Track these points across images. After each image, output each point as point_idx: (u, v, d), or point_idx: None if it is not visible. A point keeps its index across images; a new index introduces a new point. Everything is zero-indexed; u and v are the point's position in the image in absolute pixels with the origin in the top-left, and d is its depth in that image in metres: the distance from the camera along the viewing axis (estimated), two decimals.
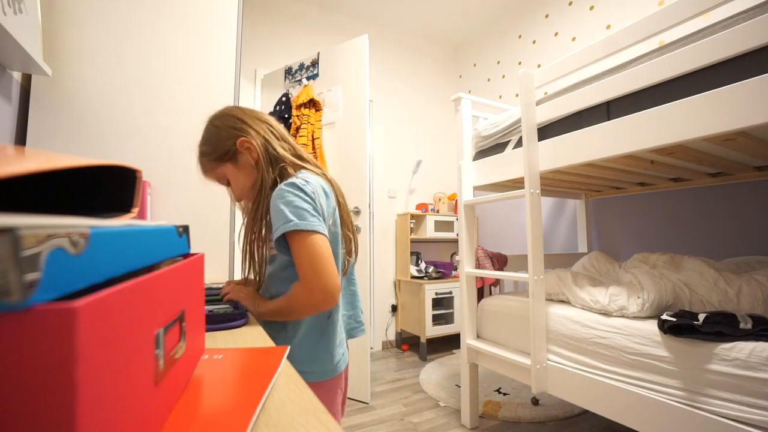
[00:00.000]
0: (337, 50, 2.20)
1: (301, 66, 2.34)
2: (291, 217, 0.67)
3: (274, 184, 0.75)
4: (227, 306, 0.71)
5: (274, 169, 0.78)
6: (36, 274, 0.15)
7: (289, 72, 2.38)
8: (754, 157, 1.30)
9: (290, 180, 0.73)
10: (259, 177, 0.77)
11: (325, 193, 0.78)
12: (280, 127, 0.83)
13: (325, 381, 0.75)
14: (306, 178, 0.74)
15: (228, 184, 0.81)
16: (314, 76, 2.27)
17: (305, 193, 0.71)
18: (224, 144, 0.77)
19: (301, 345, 0.73)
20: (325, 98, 2.21)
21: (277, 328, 0.75)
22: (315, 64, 2.29)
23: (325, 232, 0.70)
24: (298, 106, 2.17)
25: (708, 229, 1.72)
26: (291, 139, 0.84)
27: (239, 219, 1.69)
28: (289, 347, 0.47)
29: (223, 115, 0.80)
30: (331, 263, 0.68)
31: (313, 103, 2.19)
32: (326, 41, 2.82)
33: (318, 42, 2.80)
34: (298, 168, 0.79)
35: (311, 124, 2.16)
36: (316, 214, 0.70)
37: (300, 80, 2.31)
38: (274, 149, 0.78)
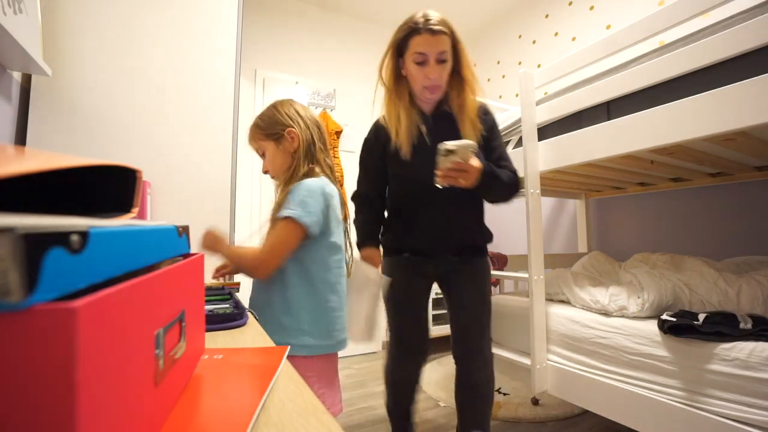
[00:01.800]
0: (352, 94, 2.75)
1: (316, 92, 2.71)
2: (295, 207, 0.81)
3: (303, 176, 0.90)
4: (227, 306, 0.71)
5: (307, 165, 0.92)
6: (36, 274, 0.15)
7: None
8: (754, 157, 1.30)
9: (313, 179, 0.87)
10: (293, 165, 0.91)
11: (341, 203, 0.94)
12: (326, 138, 0.98)
13: (333, 354, 0.90)
14: (327, 184, 0.89)
15: (263, 156, 0.96)
16: (331, 108, 2.69)
17: (322, 194, 0.85)
18: (275, 126, 0.92)
19: (304, 327, 0.85)
20: (343, 129, 2.67)
21: (282, 319, 0.85)
22: (331, 97, 2.72)
23: (314, 229, 0.83)
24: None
25: (708, 229, 1.72)
26: (329, 151, 0.99)
27: (239, 219, 1.69)
28: (289, 347, 0.48)
29: (286, 104, 0.95)
30: (285, 254, 0.82)
31: (337, 132, 2.61)
32: (326, 41, 2.82)
33: (318, 42, 2.80)
34: (323, 175, 0.93)
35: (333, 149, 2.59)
36: (316, 212, 0.83)
37: (314, 105, 2.65)
38: (314, 150, 0.94)
